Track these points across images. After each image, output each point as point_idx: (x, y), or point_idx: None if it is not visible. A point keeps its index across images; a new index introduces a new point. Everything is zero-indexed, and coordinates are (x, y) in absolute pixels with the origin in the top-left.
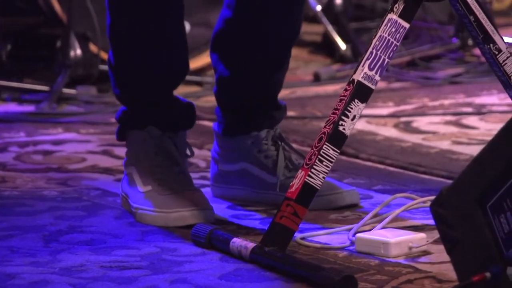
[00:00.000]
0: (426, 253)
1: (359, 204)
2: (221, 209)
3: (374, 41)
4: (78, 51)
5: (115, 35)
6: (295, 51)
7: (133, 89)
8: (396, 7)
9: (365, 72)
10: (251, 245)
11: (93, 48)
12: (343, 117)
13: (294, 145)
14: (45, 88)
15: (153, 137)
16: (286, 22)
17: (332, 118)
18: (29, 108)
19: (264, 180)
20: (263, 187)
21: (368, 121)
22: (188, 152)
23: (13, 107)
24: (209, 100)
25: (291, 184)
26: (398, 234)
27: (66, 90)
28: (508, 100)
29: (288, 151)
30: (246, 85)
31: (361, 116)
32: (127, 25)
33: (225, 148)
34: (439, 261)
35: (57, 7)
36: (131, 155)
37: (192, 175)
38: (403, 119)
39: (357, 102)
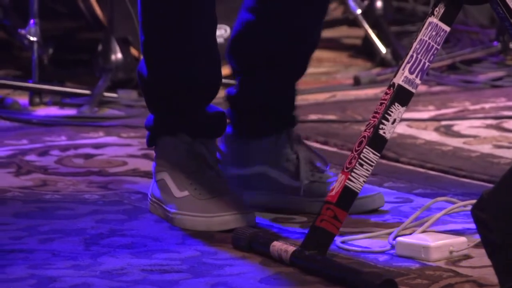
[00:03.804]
0: (467, 257)
1: (382, 206)
2: (261, 212)
3: (414, 44)
4: (119, 55)
5: (149, 51)
6: (335, 55)
7: (165, 102)
8: (436, 11)
9: (406, 76)
10: (291, 248)
11: (134, 51)
12: (383, 121)
13: (334, 149)
14: (86, 91)
15: (185, 143)
16: (309, 21)
17: (372, 121)
18: (70, 111)
19: (286, 184)
20: (285, 191)
21: (409, 125)
22: (219, 156)
23: (54, 110)
24: None
25: (331, 187)
26: (438, 238)
27: (107, 94)
28: None
29: (308, 153)
30: (267, 86)
31: (402, 120)
32: (160, 42)
33: (237, 151)
34: (480, 265)
35: (98, 11)
36: (162, 161)
37: None
38: (443, 122)
39: (398, 106)
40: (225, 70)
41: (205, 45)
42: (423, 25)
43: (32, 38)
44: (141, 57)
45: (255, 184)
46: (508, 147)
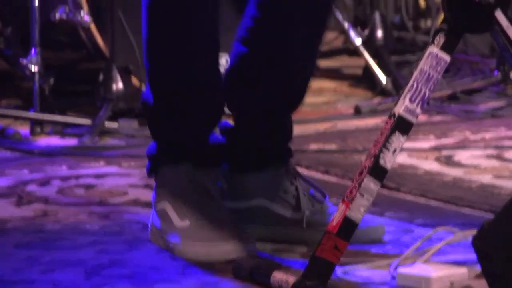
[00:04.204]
0: None
1: (382, 238)
2: (260, 243)
3: (415, 74)
4: (120, 85)
5: (152, 78)
6: (335, 84)
7: (169, 130)
8: (437, 40)
9: (406, 105)
10: (292, 279)
11: (135, 81)
12: (384, 151)
13: (335, 179)
14: (87, 121)
15: (187, 172)
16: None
17: (373, 151)
18: (71, 141)
19: (286, 217)
20: (286, 223)
21: (409, 155)
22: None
23: (55, 140)
24: None
25: (332, 217)
26: (439, 269)
27: (108, 124)
28: None
29: (306, 185)
30: (263, 119)
31: (402, 150)
32: (160, 42)
33: (234, 184)
34: None
35: (100, 41)
36: (163, 190)
37: None
38: (444, 152)
39: (398, 135)
40: None
41: (207, 73)
42: (424, 55)
43: (33, 68)
44: (143, 86)
45: (254, 218)
46: (509, 178)
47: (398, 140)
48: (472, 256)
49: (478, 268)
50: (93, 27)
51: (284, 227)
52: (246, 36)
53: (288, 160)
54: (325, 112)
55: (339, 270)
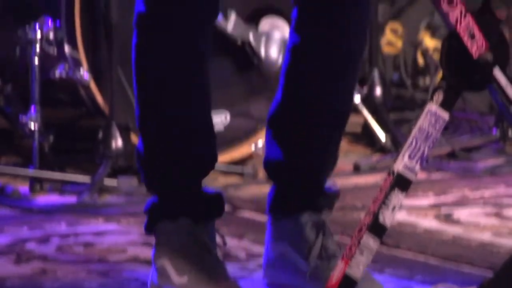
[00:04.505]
0: None
1: None
2: None
3: (414, 131)
4: (120, 142)
5: (143, 126)
6: None
7: (162, 180)
8: (435, 98)
9: (405, 163)
10: None
11: (134, 138)
12: (383, 208)
13: (334, 236)
14: (86, 179)
15: (185, 227)
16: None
17: (372, 208)
18: (70, 199)
19: (298, 266)
20: (297, 273)
21: (409, 212)
22: (218, 240)
23: (54, 198)
24: (250, 191)
25: (331, 274)
26: None
27: (107, 181)
28: None
29: (326, 240)
30: (289, 167)
31: (401, 207)
32: (154, 117)
33: (269, 228)
34: None
35: (99, 99)
36: (162, 247)
37: (231, 265)
38: (443, 210)
39: (397, 193)
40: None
41: (200, 121)
42: (423, 112)
43: (33, 126)
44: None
45: (280, 264)
46: (508, 236)
47: (397, 197)
48: None
49: None
50: (92, 85)
51: (298, 278)
52: (272, 118)
53: (315, 210)
54: None
55: None
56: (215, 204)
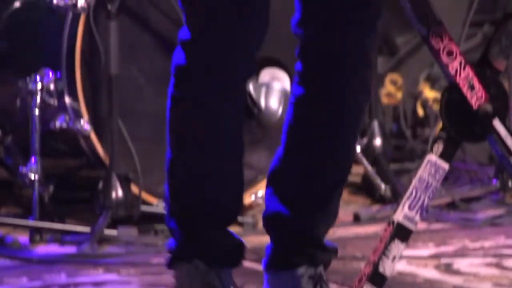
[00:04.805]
0: None
1: None
2: None
3: (414, 181)
4: (120, 192)
5: (172, 169)
6: None
7: (185, 222)
8: (435, 148)
9: (405, 213)
10: None
11: (134, 189)
12: (383, 258)
13: (334, 286)
14: (86, 229)
15: (198, 270)
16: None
17: (372, 258)
18: (70, 249)
19: None
20: None
21: (409, 262)
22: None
23: (54, 248)
24: (250, 241)
25: None
26: None
27: (107, 231)
28: None
29: None
30: (289, 224)
31: (401, 257)
32: (185, 162)
33: (267, 286)
34: None
35: (99, 149)
36: (177, 286)
37: None
38: (443, 260)
39: (397, 243)
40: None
41: (230, 168)
42: (422, 163)
43: (33, 176)
44: (142, 194)
45: None
46: (508, 286)
47: (397, 247)
48: None
49: None
50: (93, 136)
51: None
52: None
53: (312, 264)
54: None
55: None
56: (232, 252)
